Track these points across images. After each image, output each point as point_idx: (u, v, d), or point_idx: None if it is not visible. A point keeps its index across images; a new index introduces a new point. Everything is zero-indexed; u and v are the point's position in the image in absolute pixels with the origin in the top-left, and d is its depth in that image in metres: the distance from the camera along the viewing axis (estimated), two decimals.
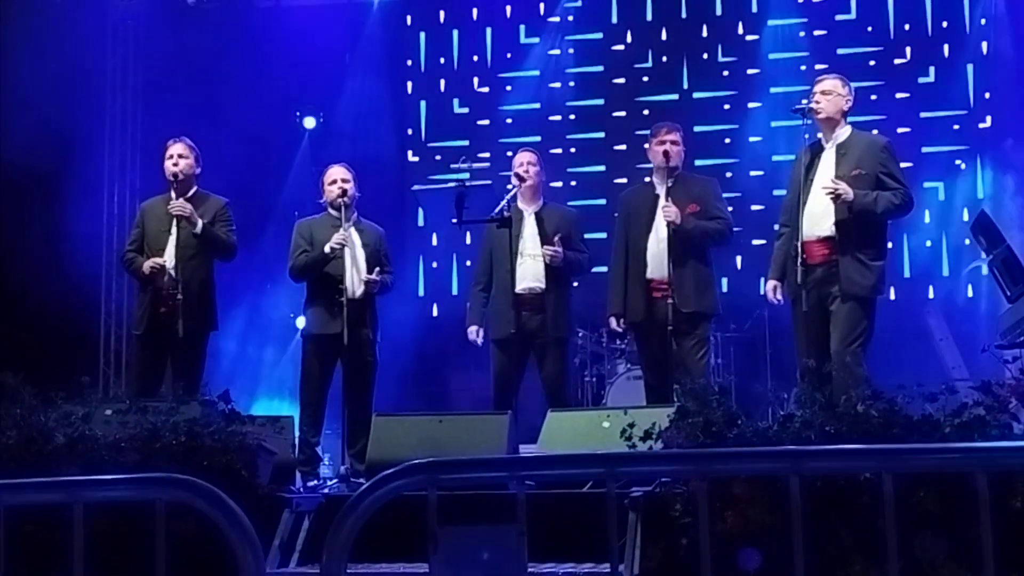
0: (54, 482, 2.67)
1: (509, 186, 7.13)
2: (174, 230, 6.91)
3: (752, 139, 10.45)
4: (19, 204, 9.49)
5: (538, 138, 10.32)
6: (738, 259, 10.16)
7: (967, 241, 9.43)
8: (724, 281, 9.83)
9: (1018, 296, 6.78)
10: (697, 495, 2.89)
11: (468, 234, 8.51)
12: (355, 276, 6.99)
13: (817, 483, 3.84)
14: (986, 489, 2.42)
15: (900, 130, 9.49)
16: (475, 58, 11.14)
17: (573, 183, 10.59)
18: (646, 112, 10.48)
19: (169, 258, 6.89)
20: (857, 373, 5.64)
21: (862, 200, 6.01)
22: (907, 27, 10.39)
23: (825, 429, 4.24)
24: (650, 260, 6.70)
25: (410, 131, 11.23)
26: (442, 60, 11.22)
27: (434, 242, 10.95)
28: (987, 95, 10.19)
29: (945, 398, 4.39)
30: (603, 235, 8.10)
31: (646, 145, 7.01)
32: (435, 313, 10.83)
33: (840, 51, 10.24)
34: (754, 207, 9.88)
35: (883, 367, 6.02)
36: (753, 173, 10.27)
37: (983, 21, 10.19)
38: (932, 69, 10.32)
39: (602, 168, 10.71)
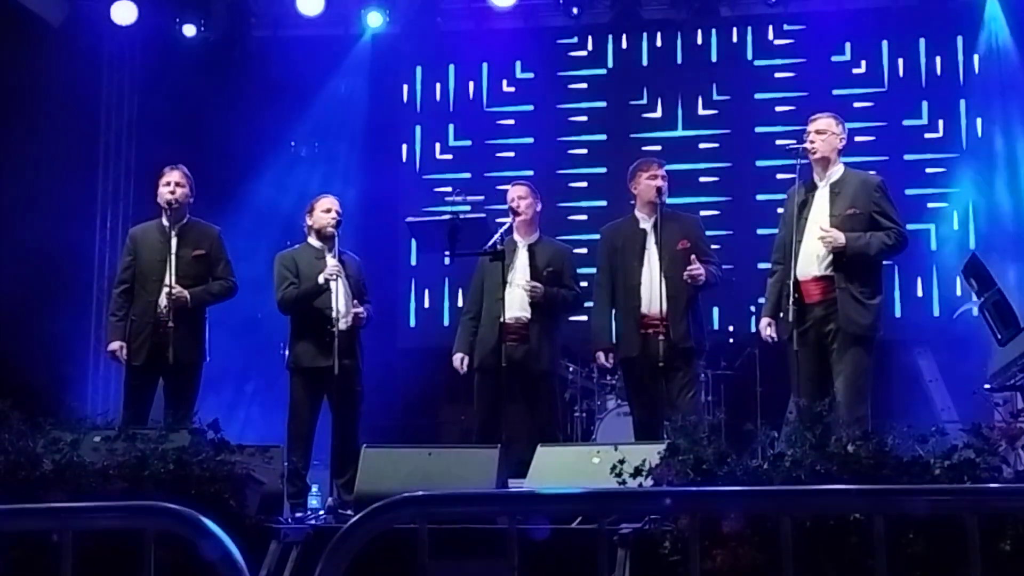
0: (40, 509, 2.65)
1: (500, 220, 7.14)
2: (172, 259, 6.90)
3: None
4: (11, 229, 9.46)
5: (532, 172, 10.30)
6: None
7: (958, 282, 9.46)
8: (715, 318, 9.88)
9: (1009, 339, 6.79)
10: (687, 533, 2.88)
11: (460, 266, 8.50)
12: (343, 307, 6.98)
13: (807, 523, 3.83)
14: (976, 531, 2.41)
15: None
16: (471, 90, 11.17)
17: (571, 217, 10.61)
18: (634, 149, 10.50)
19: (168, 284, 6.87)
20: (860, 412, 5.66)
21: (855, 244, 6.03)
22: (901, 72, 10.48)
23: (815, 469, 4.24)
24: (644, 295, 6.69)
25: (404, 162, 11.24)
26: (438, 91, 11.24)
27: (426, 274, 10.94)
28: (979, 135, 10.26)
29: (935, 440, 4.40)
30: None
31: (631, 181, 6.95)
32: (425, 345, 10.80)
33: (835, 92, 10.30)
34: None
35: (873, 408, 6.03)
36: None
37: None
38: (925, 110, 10.40)
39: (604, 203, 10.52)
